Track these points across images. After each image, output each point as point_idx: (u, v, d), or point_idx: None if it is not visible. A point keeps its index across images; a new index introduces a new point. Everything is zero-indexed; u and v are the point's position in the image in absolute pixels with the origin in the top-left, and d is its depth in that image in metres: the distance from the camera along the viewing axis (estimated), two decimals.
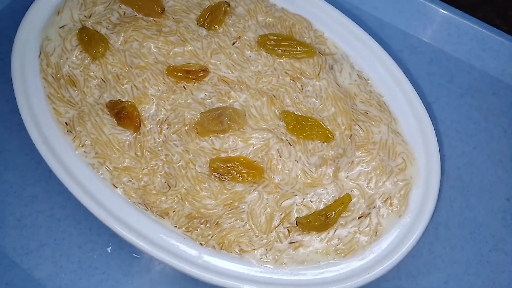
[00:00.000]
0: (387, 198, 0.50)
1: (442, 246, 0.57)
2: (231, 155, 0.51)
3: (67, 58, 0.56)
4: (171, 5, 0.59)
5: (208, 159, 0.50)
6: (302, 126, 0.51)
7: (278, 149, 0.50)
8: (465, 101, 0.65)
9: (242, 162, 0.50)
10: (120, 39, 0.56)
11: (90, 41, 0.56)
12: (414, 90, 0.55)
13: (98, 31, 0.57)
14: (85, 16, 0.58)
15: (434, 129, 0.54)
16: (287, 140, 0.51)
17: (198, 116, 0.52)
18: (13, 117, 0.57)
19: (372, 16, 0.69)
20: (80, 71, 0.55)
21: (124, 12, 0.59)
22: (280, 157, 0.50)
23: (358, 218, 0.49)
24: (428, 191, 0.50)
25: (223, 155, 0.51)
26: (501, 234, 0.59)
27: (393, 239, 0.48)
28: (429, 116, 0.55)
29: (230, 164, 0.49)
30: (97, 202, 0.48)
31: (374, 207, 0.49)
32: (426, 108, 0.55)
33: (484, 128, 0.63)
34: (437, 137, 0.53)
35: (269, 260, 0.47)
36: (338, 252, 0.47)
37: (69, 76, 0.55)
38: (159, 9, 0.57)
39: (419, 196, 0.50)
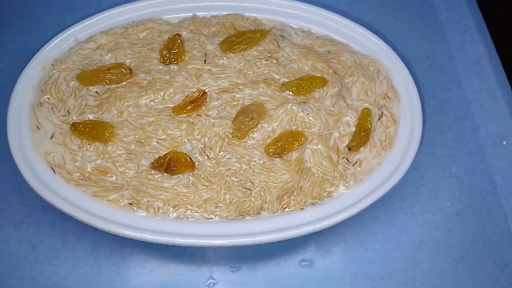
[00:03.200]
0: (384, 95, 0.65)
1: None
2: (275, 136, 0.60)
3: (81, 157, 0.57)
4: (129, 63, 0.63)
5: (262, 150, 0.59)
6: (302, 86, 0.63)
7: (301, 110, 0.61)
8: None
9: (286, 135, 0.60)
10: (114, 113, 0.59)
11: (92, 130, 0.58)
12: (346, 18, 0.70)
13: (86, 120, 0.59)
14: (64, 115, 0.60)
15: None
16: (301, 101, 0.62)
17: (230, 127, 0.59)
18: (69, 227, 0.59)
19: None
20: (102, 159, 0.57)
21: (96, 92, 0.61)
22: (308, 114, 0.61)
23: (379, 119, 0.63)
24: (401, 73, 0.66)
25: (269, 140, 0.60)
26: None
27: (407, 116, 0.63)
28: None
29: (280, 143, 0.59)
30: (211, 237, 0.54)
31: (382, 106, 0.64)
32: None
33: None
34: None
35: (351, 183, 0.59)
36: (385, 148, 0.61)
37: (96, 169, 0.57)
38: (127, 70, 0.61)
39: (399, 80, 0.66)
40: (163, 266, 0.61)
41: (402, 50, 0.80)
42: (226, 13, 0.69)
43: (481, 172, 0.70)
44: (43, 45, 0.64)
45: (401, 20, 0.84)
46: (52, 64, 0.63)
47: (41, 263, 0.60)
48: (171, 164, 0.56)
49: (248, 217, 0.56)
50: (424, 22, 0.86)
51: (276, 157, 0.59)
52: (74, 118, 0.59)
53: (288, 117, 0.61)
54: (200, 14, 0.69)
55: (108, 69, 0.61)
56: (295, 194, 0.57)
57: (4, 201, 0.63)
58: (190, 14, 0.69)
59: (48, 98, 0.60)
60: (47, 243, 0.61)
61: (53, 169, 0.56)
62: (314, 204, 0.57)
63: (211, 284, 0.60)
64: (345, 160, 0.60)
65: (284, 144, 0.59)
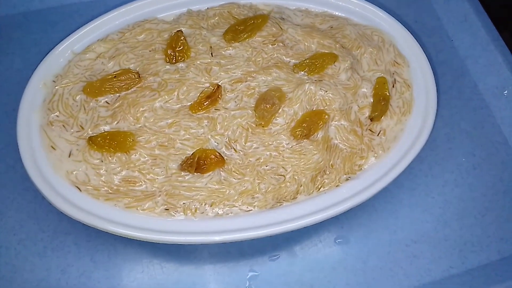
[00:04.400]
0: (393, 62, 0.65)
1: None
2: (298, 118, 0.59)
3: (106, 171, 0.55)
4: (134, 68, 0.61)
5: (287, 134, 0.58)
6: (314, 65, 0.62)
7: (319, 89, 0.61)
8: None
9: (310, 116, 0.59)
10: (130, 121, 0.57)
11: (111, 141, 0.55)
12: None
13: (102, 132, 0.57)
14: (77, 131, 0.57)
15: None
16: (315, 80, 0.62)
17: (251, 117, 0.58)
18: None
19: None
20: (127, 169, 0.55)
21: (106, 101, 0.59)
22: (326, 91, 0.61)
23: (393, 86, 0.64)
24: (404, 38, 0.67)
25: (292, 123, 0.59)
26: None
27: (418, 79, 0.64)
28: None
29: (304, 124, 0.58)
30: (255, 229, 0.53)
31: (393, 73, 0.65)
32: None
33: None
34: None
35: (380, 153, 0.59)
36: (405, 113, 0.62)
37: (124, 181, 0.55)
38: (135, 75, 0.59)
39: (405, 45, 0.67)
40: (201, 268, 0.60)
41: None
42: (220, 3, 0.67)
43: (488, 125, 0.72)
44: (39, 62, 0.61)
45: None
46: (53, 81, 0.60)
47: (74, 287, 0.58)
48: (200, 162, 0.55)
49: (285, 203, 0.56)
50: None
51: (304, 139, 0.58)
52: (89, 132, 0.57)
53: (307, 97, 0.60)
54: (194, 8, 0.67)
55: (115, 76, 0.59)
56: (327, 172, 0.57)
57: (23, 230, 0.61)
58: (184, 10, 0.67)
59: (57, 116, 0.57)
60: (76, 266, 0.59)
61: (78, 188, 0.54)
62: (348, 179, 0.57)
63: (253, 277, 0.60)
64: (369, 131, 0.61)
65: (309, 125, 0.58)
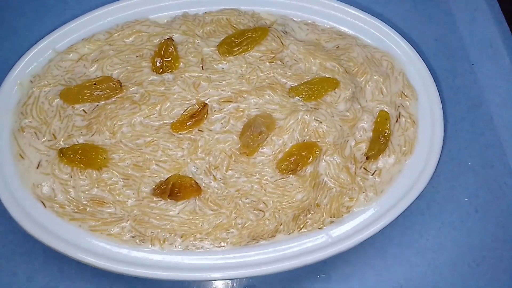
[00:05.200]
0: (400, 93, 0.59)
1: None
2: (286, 149, 0.54)
3: (74, 187, 0.51)
4: (117, 75, 0.57)
5: (273, 166, 0.54)
6: (312, 90, 0.57)
7: (314, 119, 0.56)
8: None
9: (299, 148, 0.54)
10: (106, 134, 0.53)
11: (83, 156, 0.52)
12: (351, 6, 0.63)
13: (75, 144, 0.53)
14: (49, 140, 0.53)
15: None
16: (311, 108, 0.57)
17: (236, 143, 0.54)
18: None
19: None
20: (97, 187, 0.52)
21: (83, 110, 0.55)
22: (321, 123, 0.56)
23: (396, 121, 0.58)
24: (417, 66, 0.61)
25: (280, 155, 0.54)
26: None
27: (426, 115, 0.58)
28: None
29: (292, 158, 0.54)
30: (221, 270, 0.49)
31: (399, 106, 0.59)
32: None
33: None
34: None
35: (371, 195, 0.54)
36: (405, 153, 0.57)
37: (92, 200, 0.51)
38: (116, 84, 0.55)
39: (414, 74, 0.61)
40: None
41: (408, 33, 0.75)
42: (220, 8, 0.62)
43: (499, 164, 0.67)
44: (19, 57, 0.57)
45: (406, 0, 0.78)
46: (31, 81, 0.56)
47: None
48: (174, 189, 0.51)
49: (262, 241, 0.52)
50: (431, 0, 0.80)
51: (289, 174, 0.54)
52: (62, 142, 0.53)
53: (299, 127, 0.55)
54: (191, 10, 0.62)
55: (95, 84, 0.54)
56: (312, 212, 0.53)
57: None
58: (180, 12, 0.62)
59: (30, 122, 0.54)
60: (43, 274, 0.57)
61: (43, 203, 0.51)
62: (330, 222, 0.53)
63: None
64: (363, 169, 0.56)
65: (298, 159, 0.54)
